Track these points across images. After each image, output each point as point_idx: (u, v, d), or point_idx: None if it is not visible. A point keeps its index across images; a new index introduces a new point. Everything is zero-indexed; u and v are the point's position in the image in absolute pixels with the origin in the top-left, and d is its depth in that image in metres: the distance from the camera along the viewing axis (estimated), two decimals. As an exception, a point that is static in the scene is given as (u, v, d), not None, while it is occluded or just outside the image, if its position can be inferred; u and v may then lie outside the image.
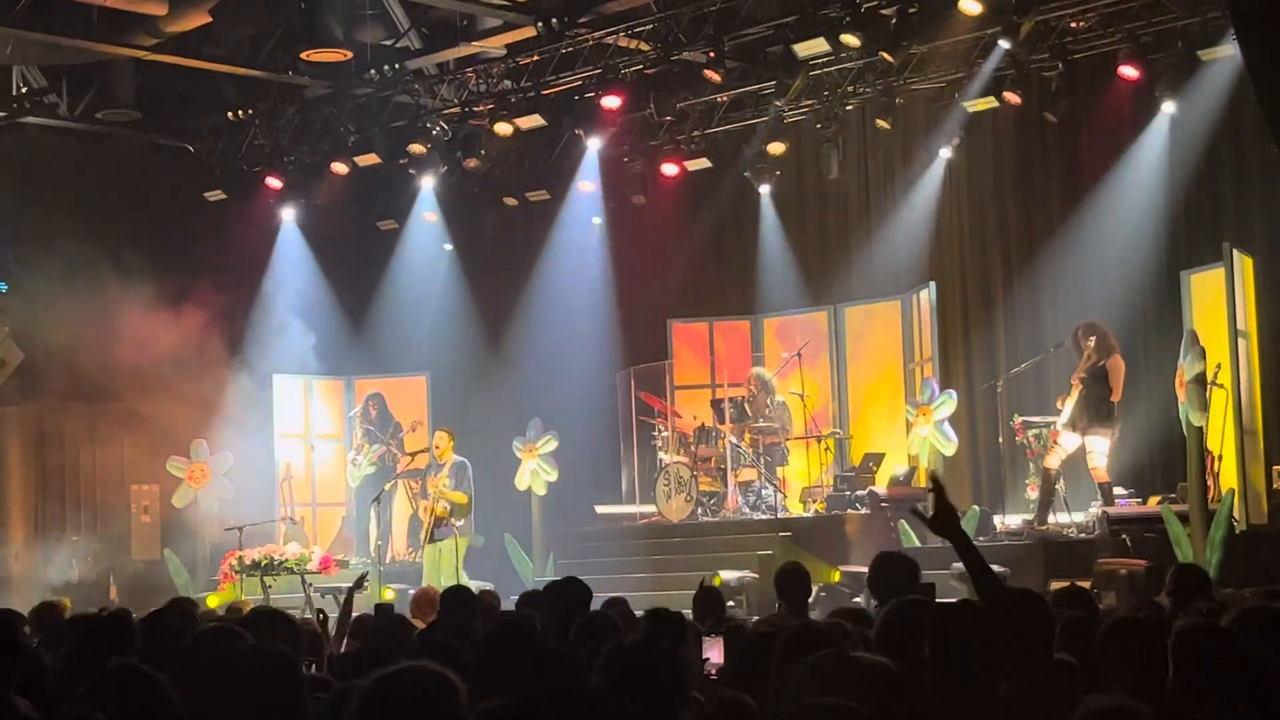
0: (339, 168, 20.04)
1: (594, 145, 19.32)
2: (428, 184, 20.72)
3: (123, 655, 5.49)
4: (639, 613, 9.53)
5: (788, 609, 8.92)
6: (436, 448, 17.90)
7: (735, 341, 20.35)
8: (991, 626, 5.27)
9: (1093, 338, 15.46)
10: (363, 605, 11.75)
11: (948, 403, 16.40)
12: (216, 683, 4.37)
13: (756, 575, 15.75)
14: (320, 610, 9.83)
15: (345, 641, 9.27)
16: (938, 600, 6.79)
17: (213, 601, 15.68)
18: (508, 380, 21.69)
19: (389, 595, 16.06)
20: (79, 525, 20.54)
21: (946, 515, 5.73)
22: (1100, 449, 15.44)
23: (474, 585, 13.01)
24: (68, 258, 19.59)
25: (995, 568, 13.39)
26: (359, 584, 11.05)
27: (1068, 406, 15.53)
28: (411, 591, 12.47)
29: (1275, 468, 14.96)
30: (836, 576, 14.85)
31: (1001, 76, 17.03)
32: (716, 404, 18.78)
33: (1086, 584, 12.63)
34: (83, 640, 6.04)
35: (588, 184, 20.35)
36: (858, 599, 13.89)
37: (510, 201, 20.89)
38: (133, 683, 4.43)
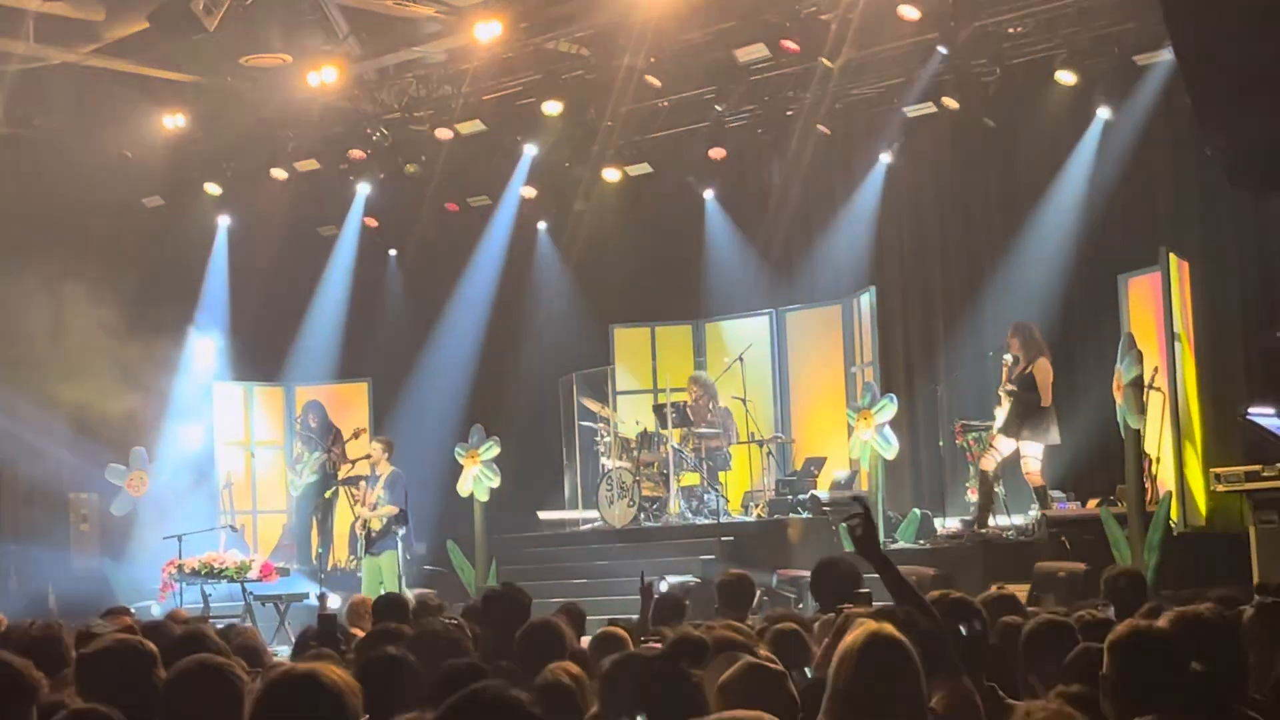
0: (278, 173, 19.95)
1: (535, 150, 19.29)
2: (368, 189, 20.65)
3: (53, 670, 5.46)
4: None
5: (726, 615, 8.94)
6: (370, 457, 17.90)
7: (677, 347, 20.37)
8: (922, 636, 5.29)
9: (1017, 338, 15.58)
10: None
11: (888, 407, 16.47)
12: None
13: (699, 580, 15.76)
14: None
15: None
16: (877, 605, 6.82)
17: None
18: (449, 386, 21.63)
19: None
20: (16, 534, 20.34)
21: (869, 540, 5.90)
22: (1034, 454, 15.56)
23: (413, 594, 13.04)
24: (4, 265, 19.42)
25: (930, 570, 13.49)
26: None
27: (1000, 413, 15.65)
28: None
29: (1212, 470, 15.08)
30: None
31: (940, 82, 17.12)
32: (659, 409, 18.79)
33: (1025, 587, 12.75)
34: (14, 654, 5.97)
35: (529, 189, 20.33)
36: (802, 605, 13.94)
37: (451, 207, 20.83)
38: None
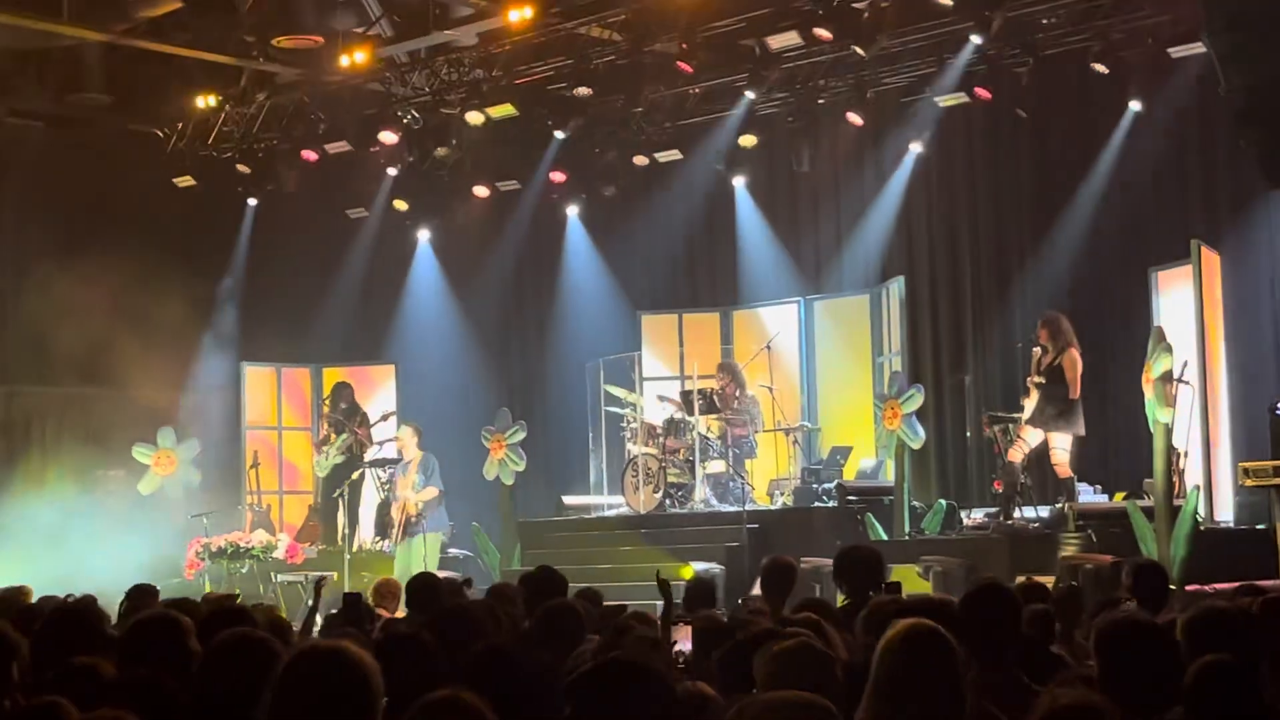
0: (309, 155, 19.98)
1: (565, 136, 19.28)
2: (398, 172, 20.66)
3: (90, 642, 5.50)
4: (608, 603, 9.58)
5: (767, 601, 8.93)
6: (398, 440, 17.92)
7: (705, 334, 20.35)
8: (962, 622, 5.29)
9: (1046, 329, 15.52)
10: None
11: (916, 397, 16.42)
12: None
13: (723, 567, 15.76)
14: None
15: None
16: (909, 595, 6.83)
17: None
18: (476, 370, 21.67)
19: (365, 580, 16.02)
20: (46, 511, 20.40)
21: None
22: (1062, 445, 15.51)
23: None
24: (36, 242, 19.51)
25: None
26: (319, 584, 10.93)
27: (1029, 405, 15.61)
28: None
29: (1241, 465, 15.03)
30: (689, 573, 14.78)
31: (973, 72, 17.08)
32: (686, 396, 18.78)
33: (1050, 579, 12.71)
34: (51, 627, 6.02)
35: (558, 174, 20.33)
36: (823, 593, 13.90)
37: (481, 191, 20.84)
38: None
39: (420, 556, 17.03)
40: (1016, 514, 15.63)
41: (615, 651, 4.47)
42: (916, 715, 4.37)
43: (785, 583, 8.93)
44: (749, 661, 4.92)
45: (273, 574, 17.73)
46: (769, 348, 18.96)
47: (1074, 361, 15.37)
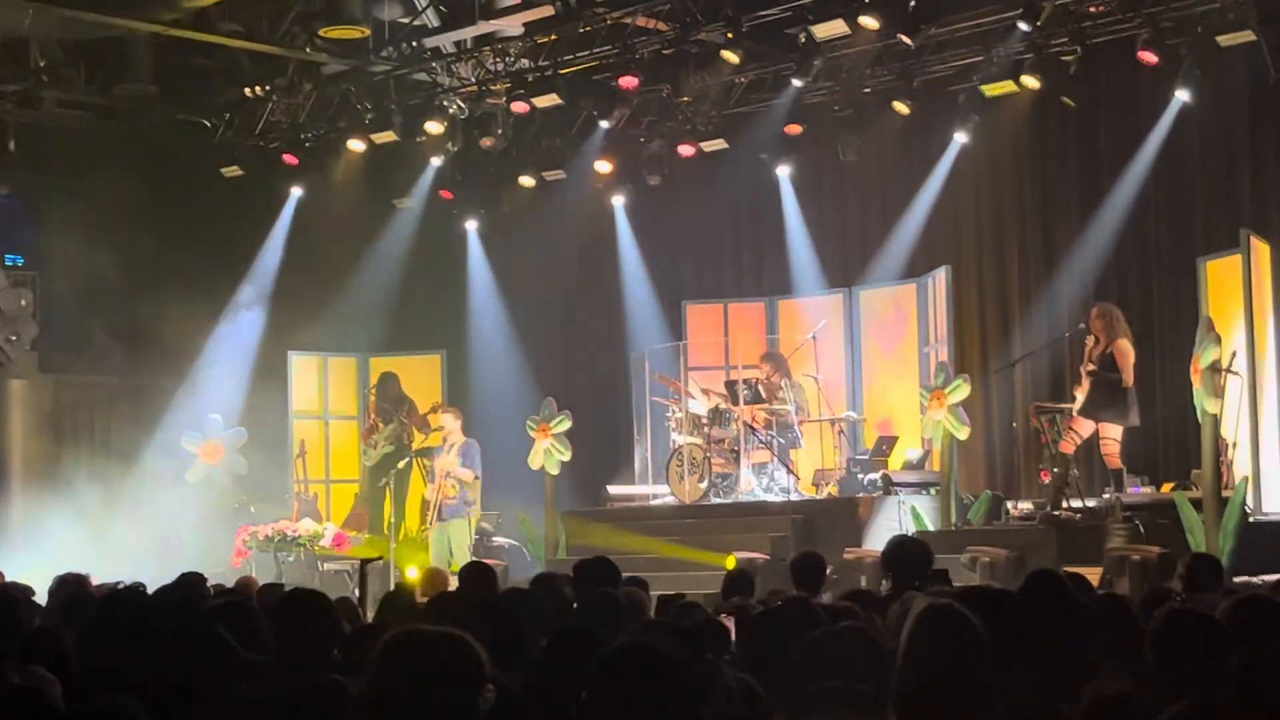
0: (355, 145, 20.04)
1: (610, 125, 19.28)
2: (444, 162, 20.69)
3: (141, 627, 5.55)
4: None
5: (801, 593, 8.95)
6: (442, 426, 17.98)
7: (750, 324, 20.33)
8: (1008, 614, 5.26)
9: (1098, 319, 15.46)
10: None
11: (962, 387, 16.36)
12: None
13: (768, 557, 15.75)
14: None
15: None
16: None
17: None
18: (522, 359, 21.70)
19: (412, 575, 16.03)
20: (93, 499, 20.56)
21: None
22: (1113, 435, 15.46)
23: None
24: (84, 232, 19.63)
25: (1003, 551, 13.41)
26: (368, 561, 11.05)
27: (1080, 394, 15.56)
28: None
29: (1290, 455, 14.94)
30: (732, 563, 14.76)
31: (1020, 60, 16.98)
32: (730, 385, 18.78)
33: (1097, 570, 12.68)
34: (103, 612, 6.07)
35: (604, 164, 20.33)
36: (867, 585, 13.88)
37: (526, 181, 20.86)
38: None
39: (460, 542, 17.06)
40: (1064, 505, 15.58)
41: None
42: (944, 695, 4.33)
43: (817, 576, 8.97)
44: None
45: (319, 562, 17.81)
46: (814, 337, 18.93)
47: (1125, 350, 15.31)
